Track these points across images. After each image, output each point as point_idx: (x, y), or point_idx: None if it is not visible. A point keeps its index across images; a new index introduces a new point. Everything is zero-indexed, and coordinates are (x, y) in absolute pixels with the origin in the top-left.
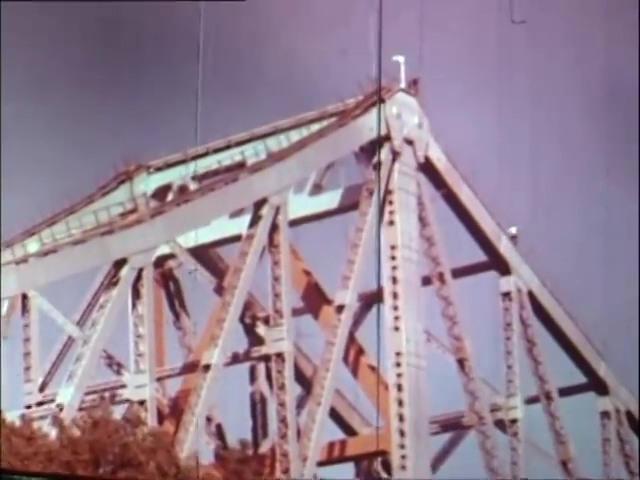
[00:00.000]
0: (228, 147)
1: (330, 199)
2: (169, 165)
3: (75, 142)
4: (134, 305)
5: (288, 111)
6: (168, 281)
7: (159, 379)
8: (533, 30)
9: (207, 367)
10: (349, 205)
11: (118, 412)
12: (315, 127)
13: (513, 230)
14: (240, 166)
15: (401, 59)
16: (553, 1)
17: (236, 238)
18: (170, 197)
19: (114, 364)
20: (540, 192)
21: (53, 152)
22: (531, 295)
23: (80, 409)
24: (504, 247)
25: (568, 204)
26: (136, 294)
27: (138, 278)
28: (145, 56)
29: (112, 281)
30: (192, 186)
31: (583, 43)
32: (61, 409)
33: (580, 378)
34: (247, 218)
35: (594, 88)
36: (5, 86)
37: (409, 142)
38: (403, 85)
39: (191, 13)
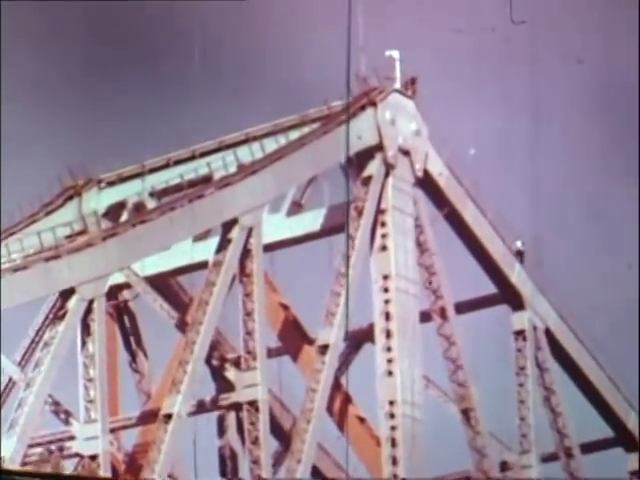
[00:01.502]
0: (192, 158)
1: (312, 220)
2: (123, 179)
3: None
4: (84, 343)
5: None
6: (123, 315)
7: (113, 430)
8: (532, 30)
9: (168, 417)
10: (334, 227)
11: (67, 468)
12: (294, 134)
13: (519, 244)
14: (206, 180)
15: (396, 54)
16: (553, 0)
17: (201, 265)
18: (124, 216)
19: (61, 412)
20: (541, 195)
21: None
22: (548, 333)
23: (23, 463)
24: (517, 277)
25: (569, 206)
26: (86, 330)
27: (88, 311)
28: (131, 55)
29: (58, 314)
30: (150, 204)
31: (582, 43)
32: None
33: (606, 432)
34: (214, 242)
35: (594, 88)
36: None
37: (405, 153)
38: (398, 85)
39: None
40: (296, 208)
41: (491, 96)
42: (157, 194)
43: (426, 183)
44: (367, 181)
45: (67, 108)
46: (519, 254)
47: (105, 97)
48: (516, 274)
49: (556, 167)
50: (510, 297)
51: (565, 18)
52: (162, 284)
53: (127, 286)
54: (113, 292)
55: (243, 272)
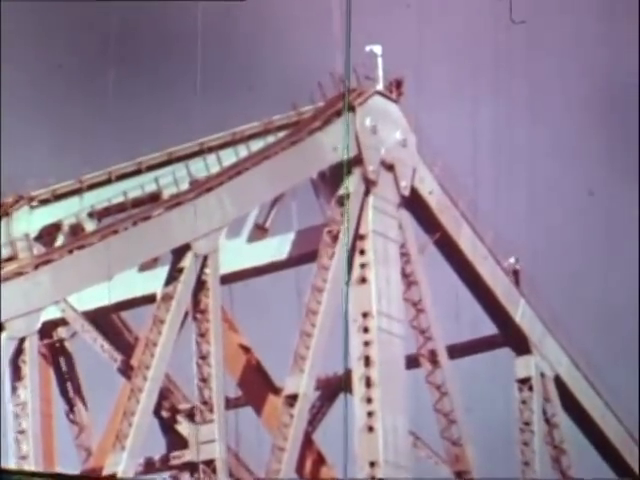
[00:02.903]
0: (138, 172)
1: (277, 247)
2: (58, 197)
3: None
4: (14, 389)
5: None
6: (58, 356)
7: None
8: (531, 30)
9: (112, 478)
10: (304, 255)
11: None
12: (257, 145)
13: (513, 261)
14: (153, 199)
15: (378, 49)
16: (552, 1)
17: (148, 299)
18: (60, 240)
19: None
20: (538, 200)
21: None
22: (559, 382)
23: None
24: (521, 315)
25: (567, 209)
26: (16, 373)
27: (18, 351)
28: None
29: None
30: (89, 226)
31: (582, 44)
32: None
33: None
34: (163, 271)
35: (593, 88)
36: None
37: (389, 167)
38: (381, 86)
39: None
40: (259, 232)
41: (488, 98)
42: (97, 214)
43: (414, 203)
44: (343, 201)
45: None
46: (514, 273)
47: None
48: (520, 312)
49: (557, 171)
50: (513, 339)
51: (565, 18)
52: (103, 321)
53: (63, 322)
54: (47, 329)
55: (197, 308)
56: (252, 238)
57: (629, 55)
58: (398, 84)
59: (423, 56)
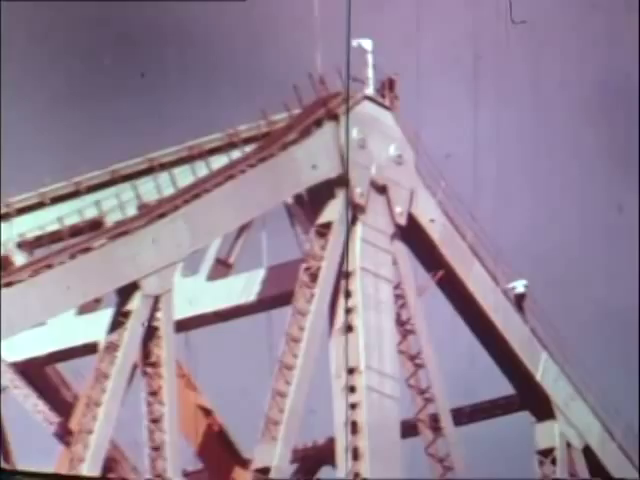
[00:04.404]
0: (76, 194)
1: (244, 287)
2: None
3: None
4: None
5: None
6: None
7: None
8: (531, 30)
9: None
10: (276, 297)
11: None
12: (219, 161)
13: (519, 286)
14: (94, 226)
15: (367, 44)
16: (552, 0)
17: (89, 349)
18: None
19: None
20: (539, 202)
21: None
22: (589, 454)
23: None
24: (543, 372)
25: (570, 210)
26: None
27: None
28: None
29: None
30: (18, 258)
31: (582, 43)
32: None
33: None
34: (106, 315)
35: (593, 89)
36: None
37: (380, 189)
38: (371, 90)
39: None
40: (222, 269)
41: (487, 100)
42: (28, 245)
43: (411, 234)
44: (325, 231)
45: None
46: (519, 299)
47: None
48: (542, 368)
49: (554, 172)
50: (534, 401)
51: (565, 18)
52: (36, 374)
53: None
54: None
55: (147, 360)
56: (213, 276)
57: (630, 54)
58: (390, 85)
59: (419, 55)
